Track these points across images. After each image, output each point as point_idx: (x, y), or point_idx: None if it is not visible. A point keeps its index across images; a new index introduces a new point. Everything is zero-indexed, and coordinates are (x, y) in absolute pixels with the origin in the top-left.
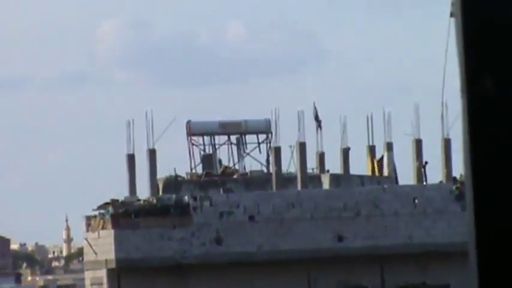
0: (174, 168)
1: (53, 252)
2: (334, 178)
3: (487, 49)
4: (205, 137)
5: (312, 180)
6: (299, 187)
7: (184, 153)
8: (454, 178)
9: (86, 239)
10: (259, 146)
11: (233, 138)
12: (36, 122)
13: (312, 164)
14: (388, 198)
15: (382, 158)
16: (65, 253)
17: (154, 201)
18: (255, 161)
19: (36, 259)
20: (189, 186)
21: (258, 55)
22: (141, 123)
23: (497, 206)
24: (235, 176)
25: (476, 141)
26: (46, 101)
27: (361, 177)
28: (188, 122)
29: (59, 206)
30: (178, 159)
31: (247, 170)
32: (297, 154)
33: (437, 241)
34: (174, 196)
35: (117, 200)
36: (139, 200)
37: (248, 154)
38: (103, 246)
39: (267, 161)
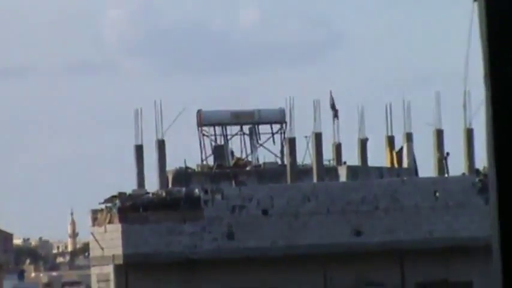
0: (184, 160)
1: (58, 248)
2: (352, 170)
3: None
4: (217, 127)
5: (328, 173)
6: (315, 179)
7: (194, 144)
8: (477, 170)
9: (92, 234)
10: (273, 137)
11: (246, 128)
12: (40, 112)
13: (328, 156)
14: (408, 191)
15: (401, 149)
16: (70, 248)
17: (164, 194)
18: (268, 153)
19: (40, 255)
20: (199, 178)
21: (272, 42)
22: (150, 113)
23: None
24: (248, 168)
25: (500, 130)
26: (51, 90)
27: (379, 169)
28: (199, 112)
29: (64, 199)
30: (189, 151)
31: (261, 161)
32: (312, 145)
33: (459, 236)
34: (184, 189)
35: (125, 193)
36: (147, 193)
37: (261, 145)
38: (110, 241)
39: (281, 152)
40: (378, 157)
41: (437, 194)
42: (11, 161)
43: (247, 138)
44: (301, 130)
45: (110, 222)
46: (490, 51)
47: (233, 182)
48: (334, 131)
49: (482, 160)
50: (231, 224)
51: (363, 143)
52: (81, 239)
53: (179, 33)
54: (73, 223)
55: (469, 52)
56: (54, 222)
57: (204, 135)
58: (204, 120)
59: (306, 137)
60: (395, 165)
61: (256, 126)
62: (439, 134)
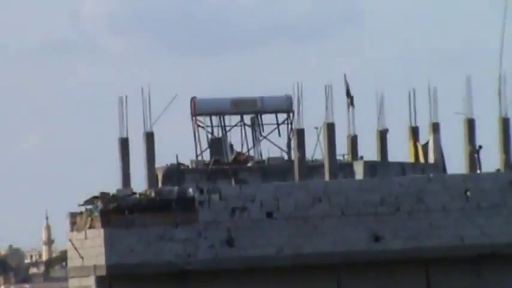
0: (176, 155)
1: (31, 257)
2: (369, 166)
3: None
4: (214, 117)
5: (342, 169)
6: (327, 177)
7: (188, 136)
8: None
9: (70, 241)
10: (278, 128)
11: (247, 118)
12: (9, 99)
13: (342, 150)
14: (435, 190)
15: (427, 142)
16: (44, 258)
17: (153, 194)
18: (273, 146)
19: (10, 265)
20: (194, 176)
21: (276, 18)
22: (136, 101)
23: None
24: (249, 164)
25: None
26: (22, 74)
27: (401, 164)
28: (193, 99)
29: (38, 201)
30: (181, 144)
31: (264, 156)
32: (324, 137)
33: (493, 241)
34: (176, 188)
35: (108, 194)
36: (134, 193)
37: (265, 137)
38: (91, 249)
39: (288, 145)
40: (400, 151)
41: (468, 194)
42: None
43: (248, 130)
44: (311, 120)
45: (91, 227)
46: None
47: (232, 181)
48: (349, 121)
49: None
50: (230, 228)
51: (382, 135)
52: (58, 246)
53: (169, 9)
54: (48, 228)
55: (504, 30)
56: (26, 227)
57: (199, 126)
58: (199, 109)
59: (316, 128)
60: (421, 160)
61: (259, 116)
62: (470, 124)
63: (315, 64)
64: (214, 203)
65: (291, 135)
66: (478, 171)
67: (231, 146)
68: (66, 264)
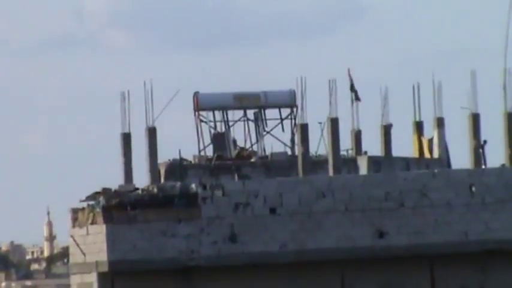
0: (179, 151)
1: (32, 253)
2: (373, 161)
3: None
4: (217, 112)
5: (346, 164)
6: (330, 172)
7: (191, 132)
8: None
9: (72, 237)
10: (282, 123)
11: (250, 113)
12: (11, 95)
13: (346, 145)
14: (439, 186)
15: (433, 137)
16: (46, 254)
17: (155, 190)
18: (277, 141)
19: (11, 261)
20: (197, 172)
21: (280, 13)
22: (139, 96)
23: None
24: (253, 160)
25: None
26: (23, 69)
27: (405, 159)
28: (195, 94)
29: (39, 197)
30: (184, 140)
31: (268, 152)
32: (327, 132)
33: (498, 237)
34: (178, 184)
35: (110, 189)
36: (136, 188)
37: (268, 133)
38: (93, 245)
39: (292, 141)
40: (404, 146)
41: (473, 189)
42: None
43: (252, 125)
44: (315, 115)
45: (93, 223)
46: None
47: (236, 176)
48: (353, 115)
49: None
50: (233, 224)
51: (387, 130)
52: (60, 242)
53: (172, 4)
54: (50, 224)
55: (509, 25)
56: (28, 223)
57: (201, 121)
58: (201, 104)
59: (320, 123)
60: (427, 155)
61: (262, 111)
62: (475, 118)
63: (319, 59)
64: (217, 199)
65: (294, 130)
66: (483, 167)
67: (234, 141)
68: (68, 261)
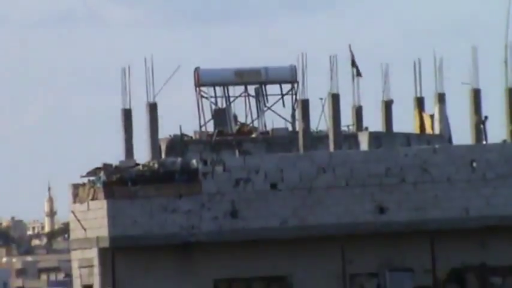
0: (180, 126)
1: (33, 229)
2: (374, 137)
3: None
4: (217, 88)
5: (347, 140)
6: (331, 148)
7: (191, 107)
8: None
9: (73, 212)
10: (282, 99)
11: (251, 89)
12: (11, 71)
13: (347, 120)
14: (440, 161)
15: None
16: (47, 229)
17: (156, 165)
18: (277, 117)
19: (12, 237)
20: (197, 147)
21: None
22: (140, 72)
23: None
24: (253, 135)
25: None
26: (23, 45)
27: (406, 135)
28: (196, 70)
29: (40, 172)
30: (185, 115)
31: (268, 127)
32: (328, 108)
33: (499, 213)
34: (179, 160)
35: (111, 165)
36: (137, 164)
37: (269, 108)
38: (93, 220)
39: (293, 116)
40: (405, 122)
41: (474, 165)
42: None
43: (252, 101)
44: (316, 91)
45: (94, 198)
46: None
47: (236, 152)
48: (353, 91)
49: None
50: (234, 200)
51: (388, 106)
52: (60, 218)
53: None
54: (50, 200)
55: (511, 0)
56: (28, 199)
57: (202, 97)
58: (202, 79)
59: (321, 98)
60: (428, 130)
61: (263, 87)
62: (476, 94)
63: (320, 34)
64: (218, 175)
65: (295, 106)
66: (484, 142)
67: (235, 116)
68: (69, 236)
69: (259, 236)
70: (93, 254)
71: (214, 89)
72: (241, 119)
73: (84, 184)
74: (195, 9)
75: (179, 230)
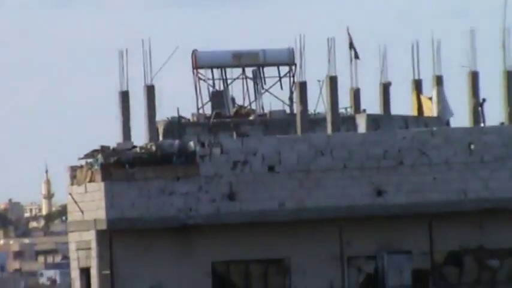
0: (177, 109)
1: (30, 211)
2: (372, 119)
3: None
4: (215, 70)
5: (344, 122)
6: (329, 130)
7: (189, 89)
8: None
9: (70, 194)
10: (280, 81)
11: (249, 71)
12: (9, 52)
13: (344, 103)
14: (438, 144)
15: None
16: (44, 212)
17: (153, 148)
18: (275, 99)
19: (9, 219)
20: (195, 129)
21: None
22: (137, 54)
23: None
24: (251, 118)
25: None
26: (21, 26)
27: (404, 118)
28: (194, 52)
29: (37, 155)
30: (182, 98)
31: (266, 110)
32: (326, 90)
33: (497, 196)
34: (177, 142)
35: (108, 147)
36: (135, 146)
37: (267, 91)
38: (91, 203)
39: (290, 99)
40: (403, 104)
41: (472, 147)
42: None
43: (250, 83)
44: (314, 73)
45: (91, 180)
46: None
47: (234, 134)
48: (351, 74)
49: None
50: (231, 182)
51: (385, 88)
52: (58, 200)
53: None
54: (48, 182)
55: None
56: (26, 181)
57: (200, 79)
58: (200, 61)
59: (319, 81)
60: (428, 113)
61: (261, 69)
62: (474, 77)
63: (318, 16)
64: (215, 157)
65: (293, 88)
66: (482, 125)
67: (233, 99)
68: (66, 218)
69: (257, 219)
70: (90, 236)
71: (212, 72)
72: (239, 101)
73: (81, 166)
74: None
75: (177, 213)
